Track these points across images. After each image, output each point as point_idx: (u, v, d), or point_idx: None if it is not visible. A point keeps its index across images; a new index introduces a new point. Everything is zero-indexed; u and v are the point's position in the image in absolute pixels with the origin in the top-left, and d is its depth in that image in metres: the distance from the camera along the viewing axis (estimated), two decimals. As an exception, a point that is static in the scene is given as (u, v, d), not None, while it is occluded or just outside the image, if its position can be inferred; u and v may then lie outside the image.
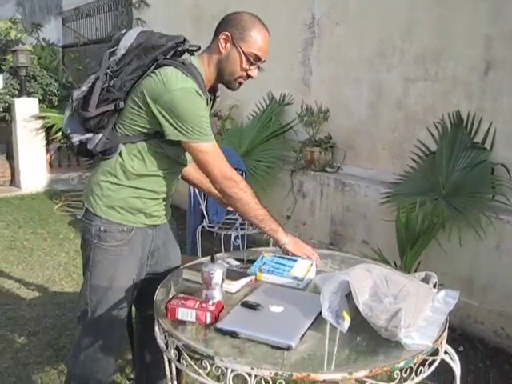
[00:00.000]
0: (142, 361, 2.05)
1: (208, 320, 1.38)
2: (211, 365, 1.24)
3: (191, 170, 1.94)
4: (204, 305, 1.40)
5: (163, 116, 1.59)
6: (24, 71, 6.18)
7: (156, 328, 1.45)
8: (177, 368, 1.44)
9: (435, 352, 1.35)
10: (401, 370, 1.26)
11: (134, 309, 1.94)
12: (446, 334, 1.39)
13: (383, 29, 3.56)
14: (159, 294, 1.56)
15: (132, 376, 2.36)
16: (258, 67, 1.70)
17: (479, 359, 2.70)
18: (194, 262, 1.84)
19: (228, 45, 1.65)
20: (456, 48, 3.13)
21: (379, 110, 3.64)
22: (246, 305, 1.45)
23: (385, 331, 1.29)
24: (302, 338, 1.31)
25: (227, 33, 1.64)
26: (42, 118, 6.07)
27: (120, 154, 1.67)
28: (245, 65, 1.66)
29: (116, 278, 1.73)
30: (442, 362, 1.42)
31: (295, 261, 1.73)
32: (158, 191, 1.75)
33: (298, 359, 1.24)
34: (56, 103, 6.63)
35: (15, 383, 2.45)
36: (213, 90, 1.79)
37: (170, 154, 1.70)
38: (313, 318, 1.40)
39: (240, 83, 1.72)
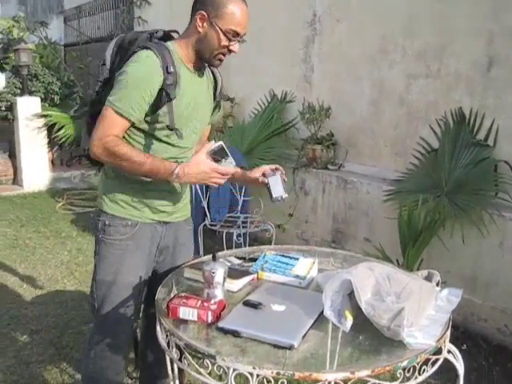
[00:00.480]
0: (144, 360, 2.05)
1: (210, 319, 1.37)
2: (213, 364, 1.24)
3: None
4: (206, 304, 1.40)
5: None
6: (26, 70, 6.18)
7: (158, 327, 1.44)
8: (179, 367, 1.44)
9: (438, 351, 1.34)
10: (404, 370, 1.26)
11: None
12: (449, 332, 1.39)
13: (385, 25, 3.54)
14: (161, 293, 1.56)
15: (134, 375, 2.36)
16: (239, 41, 1.65)
17: (482, 357, 2.69)
18: (196, 260, 1.84)
19: (205, 24, 1.62)
20: (458, 44, 3.11)
21: (381, 107, 3.63)
22: (247, 304, 1.45)
23: (387, 330, 1.28)
24: (304, 337, 1.31)
25: (203, 12, 1.60)
26: (44, 116, 6.08)
27: None
28: (224, 42, 1.62)
29: (121, 272, 1.73)
30: (445, 360, 1.41)
31: (297, 259, 1.73)
32: (153, 181, 1.67)
33: (300, 358, 1.24)
34: (58, 102, 6.65)
35: (18, 381, 2.45)
36: (206, 69, 1.77)
37: (157, 134, 1.67)
38: (315, 317, 1.39)
39: (220, 60, 1.68)
